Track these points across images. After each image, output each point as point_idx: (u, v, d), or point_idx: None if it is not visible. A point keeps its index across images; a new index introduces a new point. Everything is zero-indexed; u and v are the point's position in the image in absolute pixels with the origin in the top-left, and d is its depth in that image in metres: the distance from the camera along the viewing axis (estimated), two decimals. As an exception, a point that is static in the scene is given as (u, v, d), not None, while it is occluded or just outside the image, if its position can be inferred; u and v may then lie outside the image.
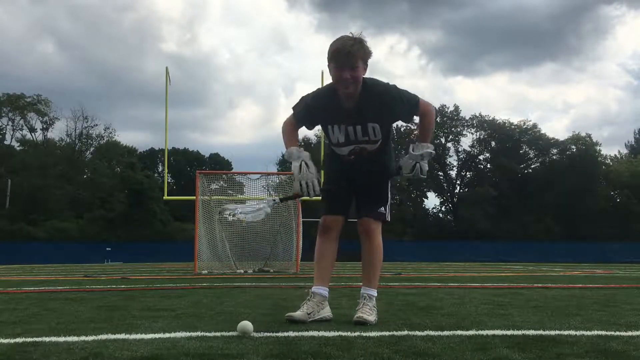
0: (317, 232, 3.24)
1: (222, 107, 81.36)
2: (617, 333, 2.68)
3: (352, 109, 2.96)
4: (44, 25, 68.74)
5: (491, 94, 78.53)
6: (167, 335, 2.57)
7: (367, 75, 2.96)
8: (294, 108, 3.12)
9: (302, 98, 3.10)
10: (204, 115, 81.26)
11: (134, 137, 79.99)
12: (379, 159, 3.15)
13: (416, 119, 3.11)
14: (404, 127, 52.16)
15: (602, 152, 49.84)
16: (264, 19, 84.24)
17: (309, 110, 3.06)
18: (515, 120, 55.37)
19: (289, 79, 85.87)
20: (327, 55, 2.93)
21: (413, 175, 3.04)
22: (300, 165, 2.92)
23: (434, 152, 3.07)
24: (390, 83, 3.00)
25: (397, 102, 2.95)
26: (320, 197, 3.21)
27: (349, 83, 2.88)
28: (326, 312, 3.12)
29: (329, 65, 2.95)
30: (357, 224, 3.22)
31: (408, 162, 3.04)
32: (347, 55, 2.83)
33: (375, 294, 3.16)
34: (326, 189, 3.23)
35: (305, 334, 2.59)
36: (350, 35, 2.92)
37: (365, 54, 2.90)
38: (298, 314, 3.00)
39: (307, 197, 3.03)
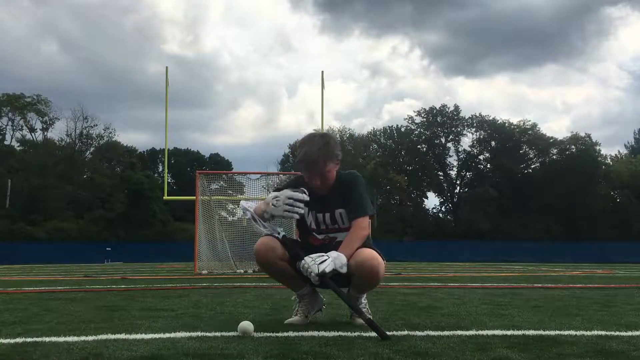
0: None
1: (224, 108, 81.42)
2: (617, 333, 2.68)
3: (322, 196, 2.98)
4: (46, 25, 68.82)
5: (492, 95, 78.61)
6: (167, 335, 2.57)
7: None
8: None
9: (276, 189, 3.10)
10: (206, 116, 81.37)
11: (136, 137, 79.96)
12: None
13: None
14: (404, 127, 52.38)
15: (602, 152, 49.91)
16: (268, 20, 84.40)
17: None
18: (515, 120, 55.48)
19: (291, 80, 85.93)
20: (297, 155, 2.92)
21: (301, 267, 2.76)
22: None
23: (342, 269, 2.71)
24: (363, 181, 2.99)
25: (353, 193, 2.94)
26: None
27: (318, 186, 2.91)
28: (319, 302, 3.11)
29: (298, 165, 2.94)
30: None
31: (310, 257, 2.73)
32: (313, 165, 2.85)
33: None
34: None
35: (305, 334, 2.59)
36: (314, 133, 2.95)
37: (333, 155, 2.89)
38: (296, 319, 3.01)
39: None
